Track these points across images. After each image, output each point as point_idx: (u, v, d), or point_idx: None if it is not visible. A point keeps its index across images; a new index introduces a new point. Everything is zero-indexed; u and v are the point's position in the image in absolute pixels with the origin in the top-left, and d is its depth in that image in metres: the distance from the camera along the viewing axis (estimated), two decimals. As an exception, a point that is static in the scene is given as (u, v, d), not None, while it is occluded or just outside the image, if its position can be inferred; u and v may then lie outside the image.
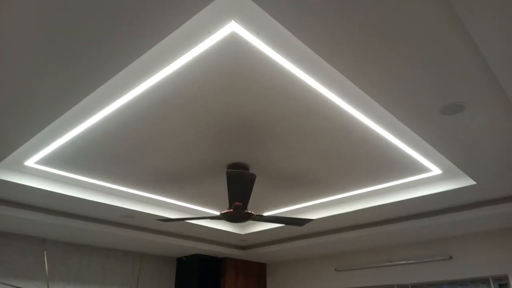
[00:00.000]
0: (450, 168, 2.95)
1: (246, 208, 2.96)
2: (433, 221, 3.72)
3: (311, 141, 2.67)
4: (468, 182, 3.04)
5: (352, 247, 4.92)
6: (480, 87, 1.91)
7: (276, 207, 4.03)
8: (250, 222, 4.55)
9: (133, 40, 1.57)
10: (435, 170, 3.03)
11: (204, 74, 1.98)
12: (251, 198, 3.69)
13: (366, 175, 3.19)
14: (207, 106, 2.26)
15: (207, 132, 2.55)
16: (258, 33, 1.68)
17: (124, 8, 1.41)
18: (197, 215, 4.17)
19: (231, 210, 2.95)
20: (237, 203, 2.89)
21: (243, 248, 5.44)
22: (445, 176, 3.14)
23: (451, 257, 4.21)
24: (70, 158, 2.83)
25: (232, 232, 4.59)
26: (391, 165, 2.99)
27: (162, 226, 4.28)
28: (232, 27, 1.66)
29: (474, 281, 4.07)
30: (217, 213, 4.16)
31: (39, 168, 2.95)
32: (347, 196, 3.67)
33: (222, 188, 3.46)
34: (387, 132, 2.50)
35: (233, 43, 1.76)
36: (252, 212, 3.04)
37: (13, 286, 3.50)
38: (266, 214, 4.22)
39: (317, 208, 4.00)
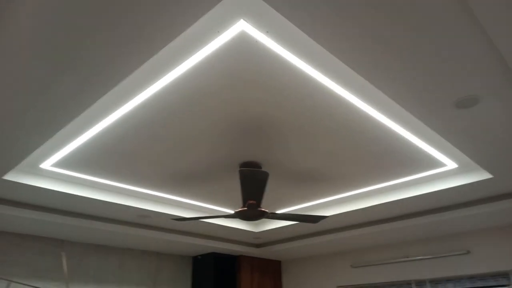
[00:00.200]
0: (466, 162, 2.91)
1: (259, 206, 2.96)
2: (449, 216, 3.67)
3: (324, 139, 2.65)
4: (484, 175, 2.99)
5: (367, 243, 4.89)
6: (494, 79, 1.87)
7: (290, 204, 4.03)
8: (264, 220, 4.56)
9: (144, 42, 1.58)
10: (450, 165, 2.99)
11: (215, 74, 1.98)
12: (264, 196, 3.69)
13: (381, 171, 3.17)
14: (218, 106, 2.26)
15: (219, 131, 2.56)
16: (267, 31, 1.68)
17: (137, 11, 1.43)
18: (212, 214, 4.19)
19: (245, 208, 2.95)
20: (251, 201, 2.89)
21: (257, 246, 5.45)
22: (460, 170, 3.09)
23: (469, 252, 4.15)
24: (85, 160, 2.87)
25: (246, 230, 4.61)
26: (405, 160, 2.95)
27: (177, 225, 4.31)
28: (241, 26, 1.65)
29: (493, 275, 4.01)
30: (231, 211, 4.17)
31: (54, 170, 3.00)
32: (362, 192, 3.64)
33: (235, 187, 3.47)
34: (401, 128, 2.47)
35: (242, 42, 1.75)
36: (266, 210, 3.04)
37: (33, 286, 3.58)
38: (279, 211, 4.22)
39: (332, 204, 3.98)
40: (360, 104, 2.23)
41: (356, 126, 2.48)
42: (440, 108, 2.09)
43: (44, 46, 1.59)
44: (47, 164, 2.89)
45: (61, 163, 2.89)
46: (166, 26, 1.51)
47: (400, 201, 3.53)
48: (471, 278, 4.14)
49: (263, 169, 3.11)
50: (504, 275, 3.92)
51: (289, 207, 4.11)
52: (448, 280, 4.29)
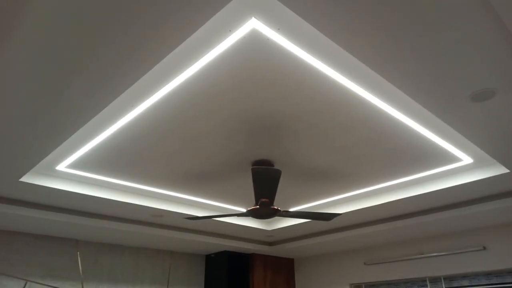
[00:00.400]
0: (482, 156, 2.86)
1: (272, 204, 2.96)
2: (465, 212, 3.62)
3: (338, 135, 2.64)
4: (501, 170, 2.94)
5: (381, 240, 4.85)
6: (511, 72, 1.83)
7: (303, 202, 4.01)
8: (276, 218, 4.56)
9: (156, 43, 1.59)
10: (466, 160, 2.94)
11: (227, 73, 1.98)
12: (277, 194, 3.68)
13: (395, 167, 3.14)
14: (230, 105, 2.26)
15: (231, 130, 2.56)
16: (278, 29, 1.67)
17: (149, 11, 1.44)
18: (224, 212, 4.21)
19: (258, 206, 2.96)
20: (263, 200, 2.89)
21: (270, 244, 5.45)
22: (476, 165, 3.04)
23: (485, 248, 4.09)
24: (99, 161, 2.90)
25: (259, 229, 4.61)
26: (420, 156, 2.92)
27: (190, 224, 4.33)
28: (253, 24, 1.65)
29: (510, 272, 3.94)
30: (244, 210, 4.18)
31: (70, 172, 3.04)
32: (376, 189, 3.62)
33: (248, 185, 3.47)
34: (415, 123, 2.44)
35: (254, 40, 1.75)
36: (279, 208, 3.03)
37: (49, 286, 3.63)
38: (292, 209, 4.21)
39: (345, 202, 3.96)
40: (373, 99, 2.21)
41: (369, 122, 2.46)
42: (455, 102, 2.06)
43: (57, 49, 1.60)
44: (62, 166, 2.93)
45: (76, 165, 2.93)
46: (177, 26, 1.51)
47: (415, 198, 3.50)
48: (488, 274, 4.09)
49: (276, 167, 3.10)
50: (522, 271, 3.86)
51: (302, 205, 4.09)
52: (464, 276, 4.24)
